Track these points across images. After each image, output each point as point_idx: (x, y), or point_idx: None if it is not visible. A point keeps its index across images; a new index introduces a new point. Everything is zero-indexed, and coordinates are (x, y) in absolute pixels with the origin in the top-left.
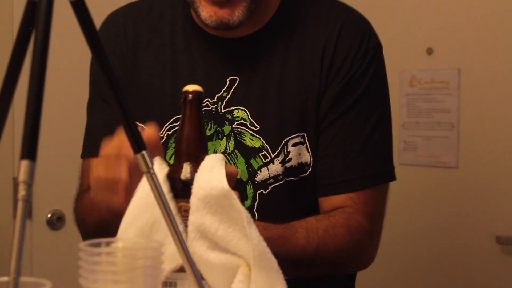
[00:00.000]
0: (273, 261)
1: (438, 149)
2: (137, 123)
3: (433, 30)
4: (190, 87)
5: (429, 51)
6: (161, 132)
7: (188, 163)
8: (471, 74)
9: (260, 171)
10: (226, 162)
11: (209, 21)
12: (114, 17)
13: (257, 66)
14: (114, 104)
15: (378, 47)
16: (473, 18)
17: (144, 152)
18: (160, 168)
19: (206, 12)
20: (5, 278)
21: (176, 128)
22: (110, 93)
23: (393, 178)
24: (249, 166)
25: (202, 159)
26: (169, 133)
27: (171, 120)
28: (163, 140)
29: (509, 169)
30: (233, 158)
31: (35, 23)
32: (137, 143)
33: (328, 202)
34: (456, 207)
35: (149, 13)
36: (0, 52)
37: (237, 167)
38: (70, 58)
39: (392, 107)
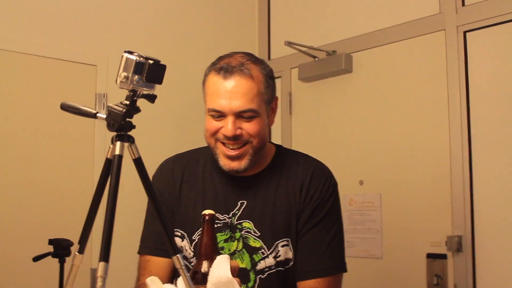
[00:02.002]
0: None
1: (369, 246)
2: (181, 231)
3: (364, 169)
4: (207, 211)
5: (361, 182)
6: (193, 236)
7: (206, 261)
8: (389, 197)
9: (260, 263)
10: (230, 259)
11: (224, 168)
12: (167, 163)
13: (258, 194)
14: (160, 227)
15: (336, 185)
16: (389, 161)
17: (178, 255)
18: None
19: (222, 162)
20: None
21: None
22: (158, 218)
23: (345, 270)
24: (252, 259)
25: (215, 258)
26: (199, 237)
27: (200, 228)
28: (195, 242)
29: (415, 260)
30: (241, 254)
31: (110, 172)
32: (174, 249)
33: (303, 285)
34: (382, 285)
35: (190, 160)
36: (84, 192)
37: (243, 260)
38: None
39: None
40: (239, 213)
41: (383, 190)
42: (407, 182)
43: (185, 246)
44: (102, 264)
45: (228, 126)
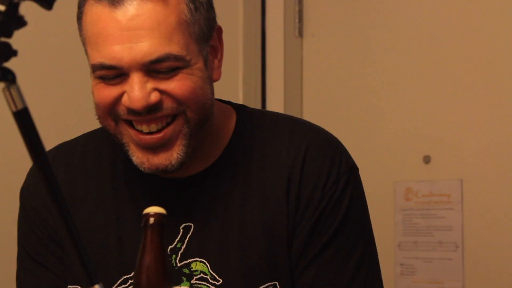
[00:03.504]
0: None
1: (442, 272)
2: None
3: (431, 136)
4: (152, 210)
5: (427, 160)
6: None
7: None
8: (476, 185)
9: None
10: None
11: (142, 168)
12: None
13: (213, 208)
14: (63, 233)
15: (352, 170)
16: (476, 121)
17: (96, 286)
18: None
19: (137, 158)
20: None
21: None
22: (57, 219)
23: None
24: None
25: None
26: None
27: (119, 281)
28: None
29: None
30: None
31: None
32: (90, 276)
33: None
34: None
35: (85, 154)
36: None
37: None
38: None
39: (386, 224)
40: (184, 247)
41: (466, 174)
42: (510, 160)
43: None
44: None
45: (133, 91)
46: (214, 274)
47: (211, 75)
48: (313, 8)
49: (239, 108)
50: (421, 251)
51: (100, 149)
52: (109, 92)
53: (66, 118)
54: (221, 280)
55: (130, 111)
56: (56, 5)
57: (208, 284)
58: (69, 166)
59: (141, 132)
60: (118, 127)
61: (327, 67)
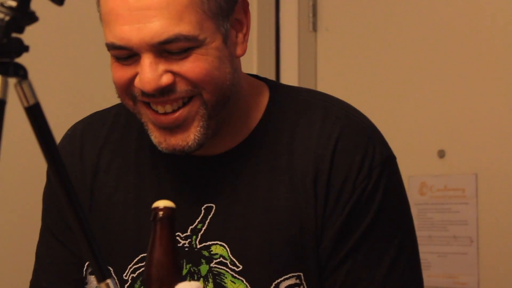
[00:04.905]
0: None
1: (456, 268)
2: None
3: (446, 130)
4: (161, 203)
5: (441, 154)
6: (124, 274)
7: None
8: (490, 179)
9: None
10: None
11: (160, 147)
12: (72, 134)
13: (237, 190)
14: (75, 227)
15: (388, 161)
16: (491, 115)
17: (108, 281)
18: None
19: (155, 138)
20: None
21: (143, 269)
22: (69, 215)
23: None
24: None
25: (174, 286)
26: (134, 275)
27: (136, 260)
28: (127, 284)
29: None
30: None
31: None
32: (101, 271)
33: None
34: None
35: (114, 126)
36: None
37: None
38: None
39: None
40: (204, 228)
41: (481, 168)
42: None
43: None
44: None
45: (144, 73)
46: (234, 259)
47: (233, 51)
48: (327, 3)
49: (273, 86)
50: (436, 245)
51: (129, 122)
52: (123, 73)
53: (78, 113)
54: (241, 267)
55: (143, 93)
56: (67, 1)
57: (227, 269)
58: (97, 137)
59: (157, 112)
60: (136, 106)
61: (341, 61)
